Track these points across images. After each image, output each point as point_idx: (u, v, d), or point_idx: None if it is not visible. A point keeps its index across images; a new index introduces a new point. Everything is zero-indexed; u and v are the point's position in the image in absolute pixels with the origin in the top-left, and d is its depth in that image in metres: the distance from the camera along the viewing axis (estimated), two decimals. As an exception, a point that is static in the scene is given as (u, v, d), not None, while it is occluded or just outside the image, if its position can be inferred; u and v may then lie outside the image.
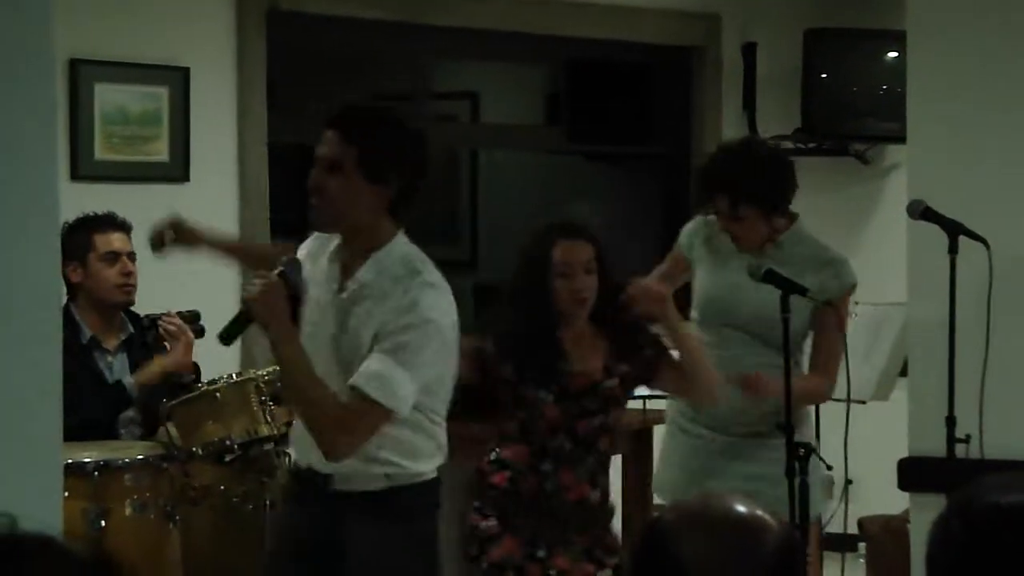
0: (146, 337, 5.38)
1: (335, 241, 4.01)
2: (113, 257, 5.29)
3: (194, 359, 5.41)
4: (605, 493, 4.51)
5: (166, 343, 5.36)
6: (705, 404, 4.63)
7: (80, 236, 5.23)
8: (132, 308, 5.41)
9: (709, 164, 4.93)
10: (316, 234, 4.08)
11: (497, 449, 4.47)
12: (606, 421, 4.46)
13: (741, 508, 2.10)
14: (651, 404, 5.75)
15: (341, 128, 3.91)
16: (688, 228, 5.03)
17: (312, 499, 4.02)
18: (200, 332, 5.37)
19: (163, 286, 5.69)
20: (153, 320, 5.35)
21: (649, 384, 4.60)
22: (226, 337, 3.91)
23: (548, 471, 4.42)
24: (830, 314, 4.66)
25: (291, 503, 4.19)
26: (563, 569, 4.41)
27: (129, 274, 5.31)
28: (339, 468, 3.93)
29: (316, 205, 3.92)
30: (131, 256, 5.33)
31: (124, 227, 5.35)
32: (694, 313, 4.89)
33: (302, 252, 4.08)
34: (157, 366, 5.27)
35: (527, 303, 4.43)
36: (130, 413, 5.24)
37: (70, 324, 5.11)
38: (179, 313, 5.38)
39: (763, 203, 4.74)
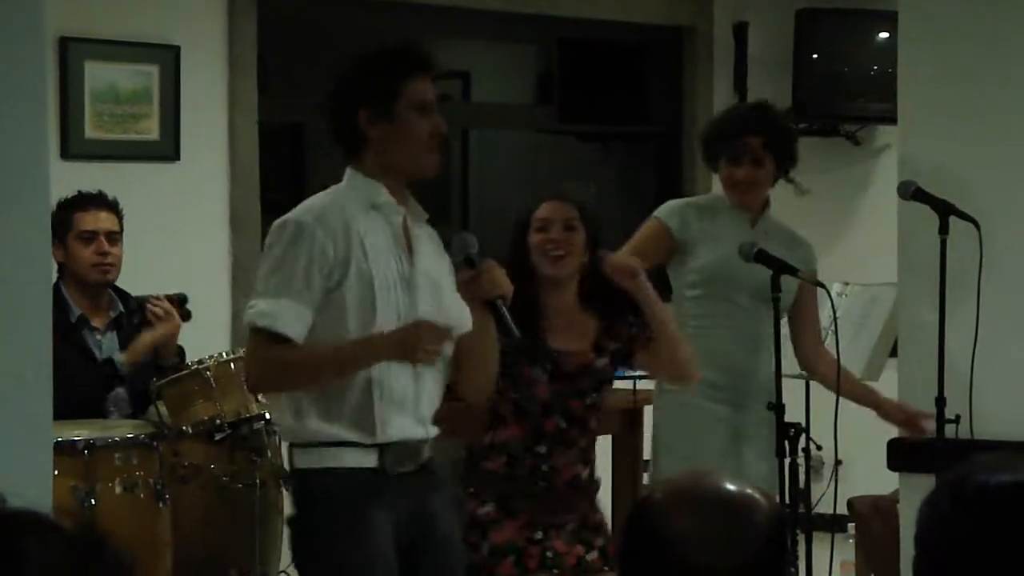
0: (134, 318, 5.37)
1: (377, 188, 3.92)
2: (90, 236, 5.26)
3: (181, 342, 5.41)
4: (592, 469, 4.55)
5: (152, 324, 5.34)
6: (682, 381, 4.63)
7: (62, 215, 5.21)
8: (122, 287, 5.40)
9: (742, 109, 5.14)
10: (331, 203, 3.90)
11: (490, 434, 4.46)
12: (597, 400, 4.50)
13: (730, 486, 2.10)
14: (641, 384, 5.75)
15: (433, 66, 3.99)
16: (673, 209, 4.99)
17: (398, 488, 3.86)
18: (187, 315, 5.35)
19: (152, 266, 5.69)
20: (141, 303, 5.33)
21: (630, 361, 4.61)
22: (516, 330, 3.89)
23: (543, 453, 4.43)
24: (814, 293, 4.91)
25: (367, 514, 3.81)
26: (560, 551, 4.43)
27: (105, 254, 5.27)
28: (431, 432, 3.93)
29: (439, 149, 3.94)
30: (111, 235, 5.30)
31: (109, 205, 5.33)
32: (694, 290, 4.88)
33: (334, 234, 3.84)
34: (145, 340, 5.25)
35: (509, 264, 4.23)
36: (120, 391, 5.24)
37: (59, 302, 5.11)
38: (167, 296, 5.36)
39: (783, 158, 4.93)
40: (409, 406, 3.88)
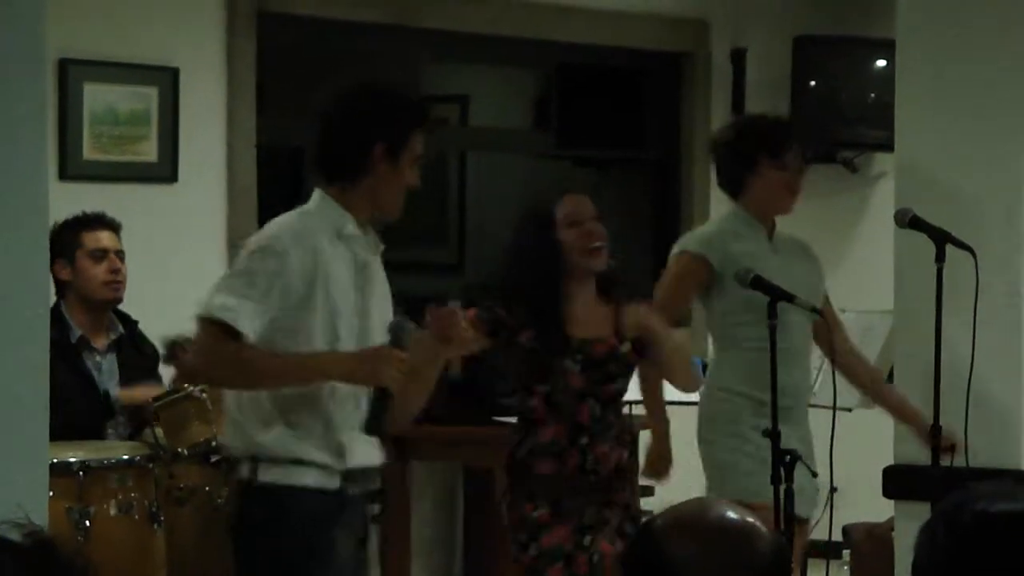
0: (137, 338, 5.37)
1: (346, 220, 4.04)
2: (101, 254, 5.29)
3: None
4: (633, 451, 4.75)
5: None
6: (684, 387, 4.79)
7: (68, 234, 5.23)
8: (122, 308, 5.40)
9: (778, 119, 5.18)
10: (304, 229, 4.02)
11: (529, 440, 4.57)
12: (625, 385, 4.66)
13: (732, 514, 2.10)
14: (637, 410, 5.75)
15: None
16: (708, 242, 4.90)
17: (355, 511, 4.05)
18: None
19: (148, 287, 5.68)
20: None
21: (642, 355, 4.71)
22: (377, 428, 3.99)
23: (586, 444, 4.55)
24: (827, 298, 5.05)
25: (334, 535, 4.01)
26: (604, 552, 4.56)
27: (117, 271, 5.30)
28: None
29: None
30: (119, 254, 5.33)
31: (113, 226, 5.36)
32: (745, 315, 4.76)
33: (322, 256, 4.00)
34: (146, 394, 5.23)
35: (535, 261, 4.55)
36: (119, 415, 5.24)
37: (59, 323, 5.11)
38: None
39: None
40: (364, 438, 4.05)
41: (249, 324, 3.93)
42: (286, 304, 3.95)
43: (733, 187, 5.00)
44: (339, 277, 3.99)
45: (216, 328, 3.96)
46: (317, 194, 4.09)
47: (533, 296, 4.55)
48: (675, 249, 5.00)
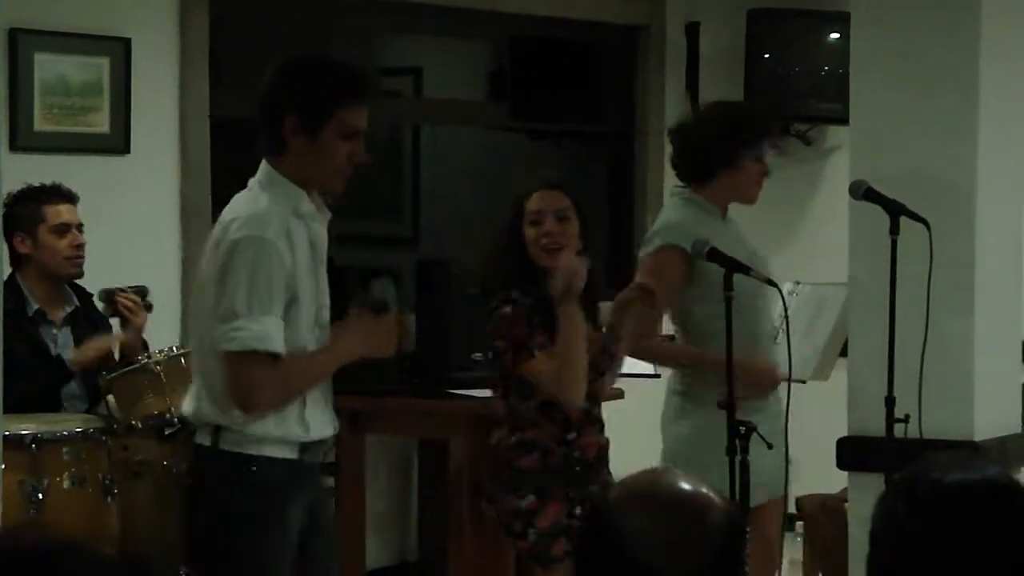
0: (92, 314, 5.35)
1: (300, 197, 3.96)
2: (64, 228, 5.27)
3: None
4: (603, 431, 4.74)
5: (116, 318, 5.32)
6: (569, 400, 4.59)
7: (29, 207, 5.21)
8: (77, 281, 5.38)
9: (755, 108, 5.26)
10: (275, 224, 3.90)
11: (516, 434, 4.59)
12: (610, 378, 4.77)
13: (686, 486, 2.10)
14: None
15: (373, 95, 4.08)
16: (682, 231, 4.82)
17: (309, 479, 4.05)
18: (149, 307, 5.37)
19: (101, 259, 5.65)
20: (110, 294, 5.31)
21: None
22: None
23: (572, 439, 4.58)
24: None
25: (287, 503, 4.00)
26: None
27: (80, 246, 5.29)
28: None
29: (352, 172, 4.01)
30: (79, 227, 5.31)
31: (71, 198, 5.33)
32: (714, 304, 4.63)
33: (284, 231, 3.92)
34: (97, 345, 5.23)
35: (504, 256, 4.57)
36: (73, 386, 5.22)
37: (16, 295, 5.10)
38: (130, 288, 5.36)
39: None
40: (326, 405, 4.06)
41: (279, 342, 3.87)
42: (287, 296, 3.89)
43: (699, 175, 4.98)
44: (303, 256, 3.92)
45: (253, 359, 3.86)
46: (264, 167, 3.98)
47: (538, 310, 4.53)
48: (649, 246, 4.94)
